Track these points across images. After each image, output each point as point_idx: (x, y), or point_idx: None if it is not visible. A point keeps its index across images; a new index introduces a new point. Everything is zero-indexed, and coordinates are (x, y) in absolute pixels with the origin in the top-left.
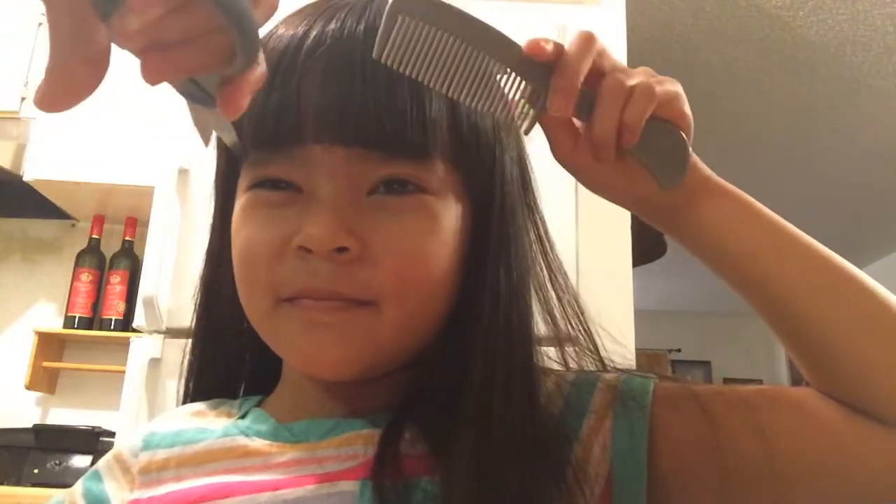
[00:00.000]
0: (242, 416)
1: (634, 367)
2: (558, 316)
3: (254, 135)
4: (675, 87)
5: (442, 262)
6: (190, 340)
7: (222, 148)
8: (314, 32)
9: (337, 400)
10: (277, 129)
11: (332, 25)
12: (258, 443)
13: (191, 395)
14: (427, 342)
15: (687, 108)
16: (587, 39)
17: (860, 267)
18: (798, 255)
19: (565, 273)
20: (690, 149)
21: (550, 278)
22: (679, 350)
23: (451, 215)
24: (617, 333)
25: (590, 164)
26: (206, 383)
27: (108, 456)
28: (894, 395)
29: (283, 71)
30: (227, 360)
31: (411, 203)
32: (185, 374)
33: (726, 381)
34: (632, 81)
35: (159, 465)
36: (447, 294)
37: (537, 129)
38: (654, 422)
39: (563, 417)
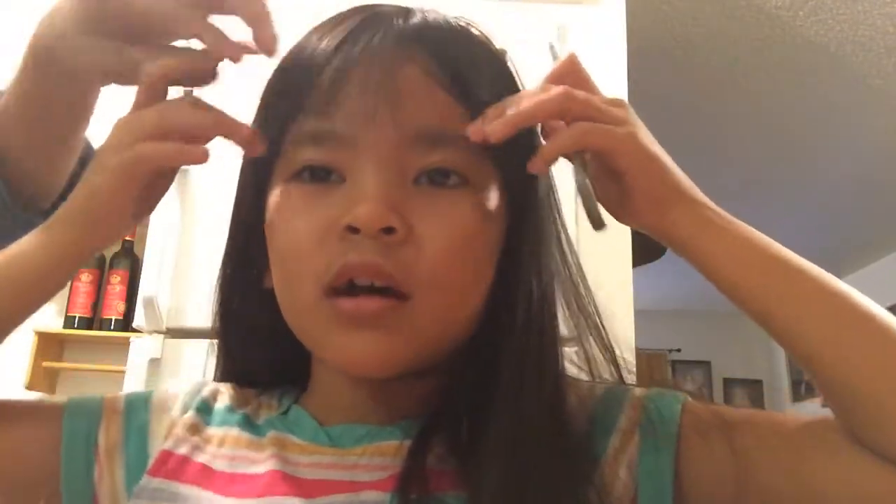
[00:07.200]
0: (284, 412)
1: (669, 378)
2: (578, 321)
3: (303, 107)
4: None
5: (480, 254)
6: (215, 343)
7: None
8: (364, 35)
9: (369, 405)
10: (329, 102)
11: (379, 31)
12: (297, 441)
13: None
14: (462, 339)
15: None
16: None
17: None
18: (800, 294)
19: (585, 279)
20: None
21: (573, 283)
22: (679, 350)
23: (491, 210)
24: (617, 333)
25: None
26: (235, 380)
27: (155, 395)
28: None
29: (340, 60)
30: (258, 358)
31: (456, 195)
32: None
33: (726, 381)
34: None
35: (206, 438)
36: (482, 289)
37: None
38: (680, 446)
39: (587, 436)
